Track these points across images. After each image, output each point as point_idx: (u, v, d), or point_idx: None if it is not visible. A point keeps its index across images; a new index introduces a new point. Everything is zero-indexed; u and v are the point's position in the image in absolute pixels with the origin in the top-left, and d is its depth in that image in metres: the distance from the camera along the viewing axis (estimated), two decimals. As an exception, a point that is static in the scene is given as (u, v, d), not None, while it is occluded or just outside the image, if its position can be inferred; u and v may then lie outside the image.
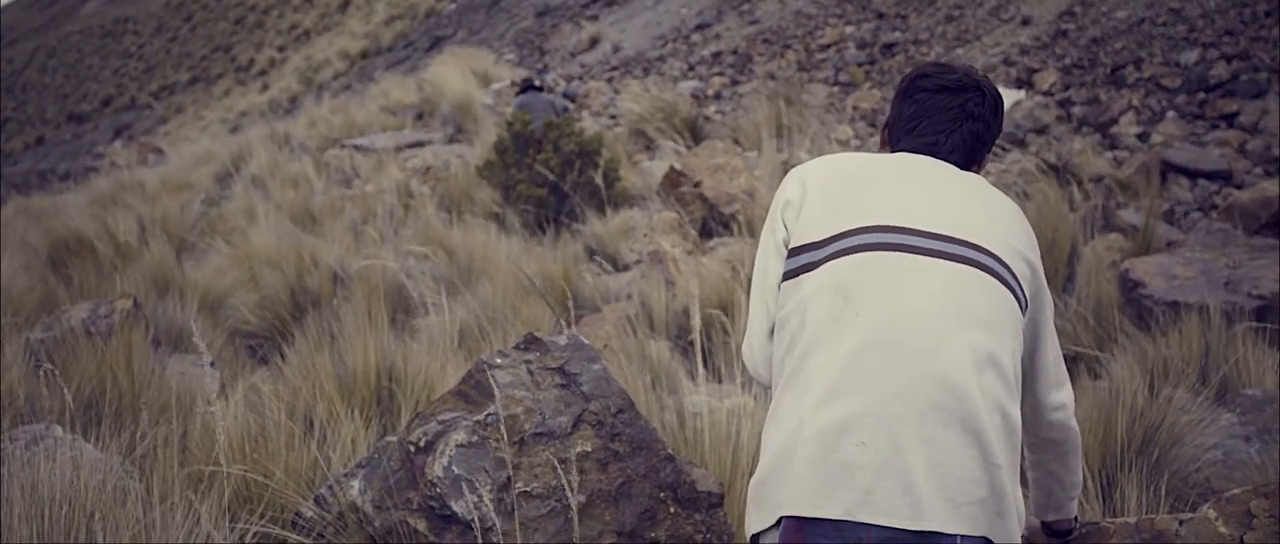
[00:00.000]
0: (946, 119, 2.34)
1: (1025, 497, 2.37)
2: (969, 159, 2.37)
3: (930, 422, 2.02)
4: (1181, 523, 2.68)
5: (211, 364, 5.60)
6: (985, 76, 2.42)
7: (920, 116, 2.36)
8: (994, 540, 2.02)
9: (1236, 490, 2.72)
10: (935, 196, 2.23)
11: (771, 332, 2.29)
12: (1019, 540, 2.09)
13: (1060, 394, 2.33)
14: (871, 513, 1.97)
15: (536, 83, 13.43)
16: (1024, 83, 13.23)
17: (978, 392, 2.04)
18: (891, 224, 2.17)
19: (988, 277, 2.15)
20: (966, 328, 2.08)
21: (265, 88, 35.92)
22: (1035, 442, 2.41)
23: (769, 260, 2.32)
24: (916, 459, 1.99)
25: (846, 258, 2.15)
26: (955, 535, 1.97)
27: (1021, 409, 2.20)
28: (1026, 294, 2.22)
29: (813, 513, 1.99)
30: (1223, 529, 2.60)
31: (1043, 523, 2.60)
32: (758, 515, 2.11)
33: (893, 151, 2.41)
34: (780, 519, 2.04)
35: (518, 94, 13.08)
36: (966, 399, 2.03)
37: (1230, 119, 11.11)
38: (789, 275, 2.24)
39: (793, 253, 2.24)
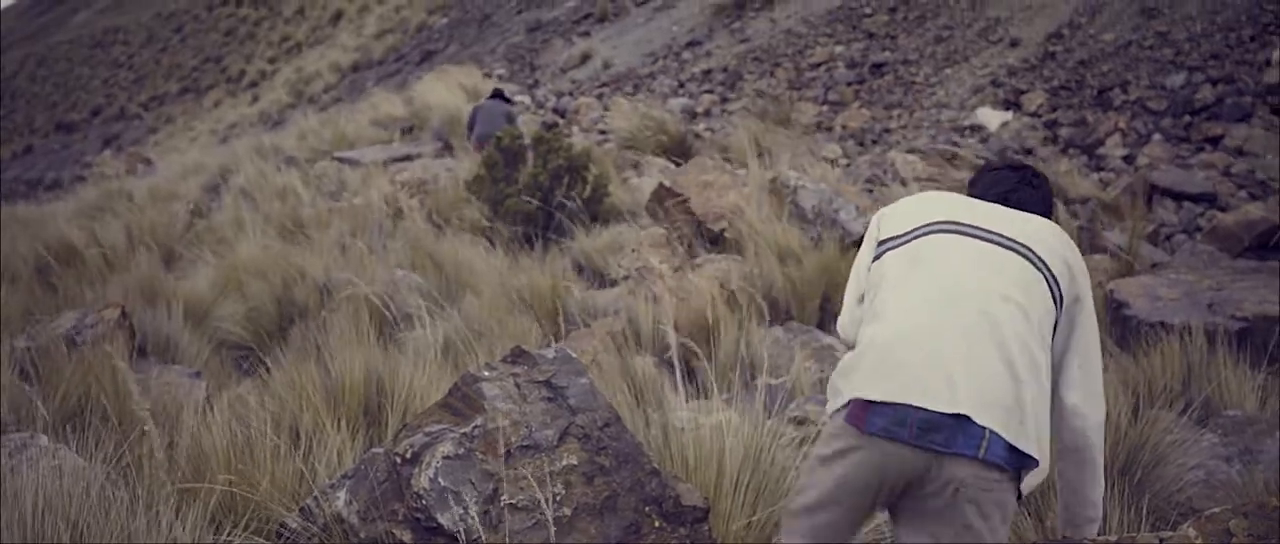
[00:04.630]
0: (1011, 182, 3.04)
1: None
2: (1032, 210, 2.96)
3: (970, 338, 2.58)
4: (1162, 541, 2.70)
5: (197, 375, 5.59)
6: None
7: (993, 183, 3.05)
8: (1010, 439, 2.49)
9: (1216, 509, 2.75)
10: (994, 213, 2.86)
11: (860, 301, 2.92)
12: (1036, 455, 2.52)
13: (1081, 399, 2.74)
14: (918, 397, 2.51)
15: (504, 94, 13.88)
16: (1011, 104, 13.31)
17: (1009, 327, 2.59)
18: (956, 220, 2.83)
19: (1026, 261, 2.72)
20: (1004, 285, 2.67)
21: (255, 99, 35.87)
22: (1060, 447, 2.79)
23: (865, 254, 2.95)
24: (957, 363, 2.54)
25: (919, 239, 2.81)
26: (984, 428, 2.48)
27: (1054, 413, 2.71)
28: (1061, 286, 2.73)
29: (872, 396, 2.55)
30: (1202, 547, 2.62)
31: (1062, 537, 2.91)
32: (833, 402, 2.69)
33: None
34: (849, 401, 2.60)
35: (488, 98, 13.53)
36: (998, 328, 2.59)
37: (1215, 142, 11.20)
38: (877, 257, 2.88)
39: (881, 244, 2.88)
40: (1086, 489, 2.84)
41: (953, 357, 2.55)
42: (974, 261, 2.72)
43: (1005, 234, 2.77)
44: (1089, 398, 2.76)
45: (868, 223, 3.11)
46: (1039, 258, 2.73)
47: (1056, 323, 2.72)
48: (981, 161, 10.93)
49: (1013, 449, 2.50)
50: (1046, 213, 3.00)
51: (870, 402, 2.55)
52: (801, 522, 2.68)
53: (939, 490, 2.51)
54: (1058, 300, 2.72)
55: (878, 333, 2.67)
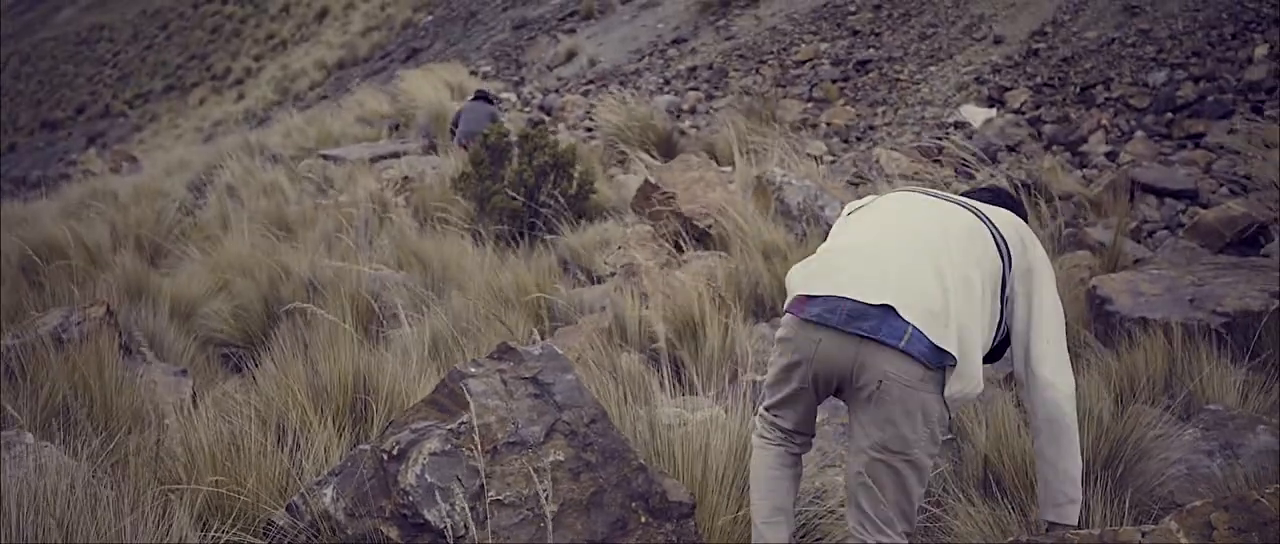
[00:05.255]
0: (986, 197, 3.37)
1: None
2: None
3: (907, 250, 2.92)
4: (1144, 534, 2.73)
5: (184, 372, 5.58)
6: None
7: (970, 194, 3.39)
8: (932, 339, 2.75)
9: (1198, 503, 2.77)
10: (956, 197, 3.22)
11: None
12: (955, 353, 2.76)
13: (1050, 372, 2.97)
14: (850, 290, 2.84)
15: (488, 94, 14.29)
16: (996, 101, 13.36)
17: (945, 254, 2.90)
18: (916, 190, 3.25)
19: (974, 217, 3.07)
20: (949, 224, 3.01)
21: (241, 97, 35.75)
22: (1035, 422, 3.03)
23: (837, 224, 3.29)
24: (891, 267, 2.87)
25: (885, 197, 3.26)
26: (908, 323, 2.75)
27: (1026, 389, 3.03)
28: (1010, 246, 3.04)
29: (812, 291, 2.93)
30: (1184, 540, 2.65)
31: (1047, 525, 3.08)
32: (786, 302, 3.05)
33: None
34: (796, 296, 2.98)
35: (470, 99, 13.89)
36: (935, 248, 2.91)
37: (1197, 139, 11.26)
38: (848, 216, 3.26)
39: (851, 212, 3.27)
40: (1064, 463, 3.01)
41: (888, 263, 2.88)
42: (926, 208, 3.11)
43: (961, 202, 3.16)
44: (1058, 370, 2.99)
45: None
46: (988, 218, 3.07)
47: (1006, 284, 3.00)
48: (965, 157, 10.99)
49: (935, 348, 2.75)
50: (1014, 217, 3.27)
51: (811, 295, 2.92)
52: (761, 404, 3.13)
53: (867, 382, 2.80)
54: (1006, 258, 3.01)
55: (827, 246, 3.12)
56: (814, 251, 3.22)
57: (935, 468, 3.35)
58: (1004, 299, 3.01)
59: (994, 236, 3.02)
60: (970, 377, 2.81)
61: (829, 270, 2.94)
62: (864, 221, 3.13)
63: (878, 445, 2.82)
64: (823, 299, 2.86)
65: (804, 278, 2.99)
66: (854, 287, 2.83)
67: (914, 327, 2.75)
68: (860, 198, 3.49)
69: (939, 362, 2.76)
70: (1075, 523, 3.03)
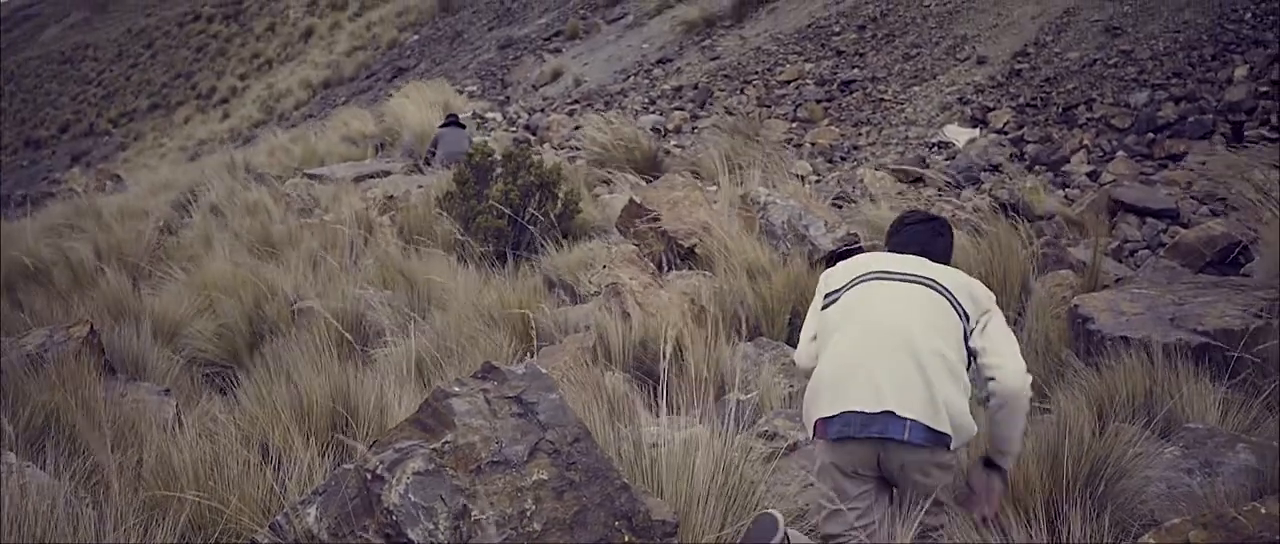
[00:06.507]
0: (925, 234, 3.96)
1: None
2: (943, 259, 3.88)
3: (890, 357, 3.47)
4: (1122, 551, 2.75)
5: (167, 392, 5.57)
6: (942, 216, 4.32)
7: (910, 237, 3.95)
8: (928, 425, 3.37)
9: (1176, 520, 2.80)
10: (908, 261, 3.79)
11: (813, 339, 3.83)
12: (949, 432, 3.39)
13: (1001, 360, 3.54)
14: (856, 404, 3.42)
15: (459, 119, 14.73)
16: (979, 121, 13.44)
17: (921, 340, 3.48)
18: (878, 270, 3.77)
19: (936, 293, 3.63)
20: (918, 312, 3.58)
21: (226, 116, 35.73)
22: (994, 402, 3.55)
23: (817, 303, 3.88)
24: (882, 376, 3.44)
25: (853, 290, 3.74)
26: (906, 419, 3.36)
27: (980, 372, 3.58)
28: (964, 306, 3.62)
29: (826, 413, 3.48)
30: (1162, 557, 2.67)
31: (985, 461, 3.70)
32: (808, 428, 3.62)
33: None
34: (815, 423, 3.53)
35: (440, 127, 14.29)
36: (912, 343, 3.48)
37: (1178, 159, 11.34)
38: (825, 307, 3.80)
39: (827, 296, 3.81)
40: (1010, 431, 3.59)
41: (877, 372, 3.46)
42: (889, 298, 3.66)
43: (915, 273, 3.71)
44: (1002, 354, 3.56)
45: (834, 237, 4.10)
46: (942, 286, 3.65)
47: (968, 330, 3.59)
48: (947, 180, 11.04)
49: (931, 431, 3.39)
50: (949, 252, 3.96)
51: (828, 418, 3.48)
52: (833, 521, 3.56)
53: (893, 468, 3.47)
54: (963, 315, 3.60)
55: (822, 370, 3.61)
56: (798, 270, 3.75)
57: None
58: (968, 348, 3.58)
59: (950, 302, 3.61)
60: (964, 428, 3.47)
61: (832, 393, 3.50)
62: (843, 331, 3.65)
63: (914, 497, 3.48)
64: (837, 418, 3.45)
65: (815, 406, 3.56)
66: (857, 400, 3.43)
67: (911, 421, 3.38)
68: (855, 218, 4.09)
69: (938, 441, 3.40)
70: (1007, 469, 3.69)
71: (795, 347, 4.20)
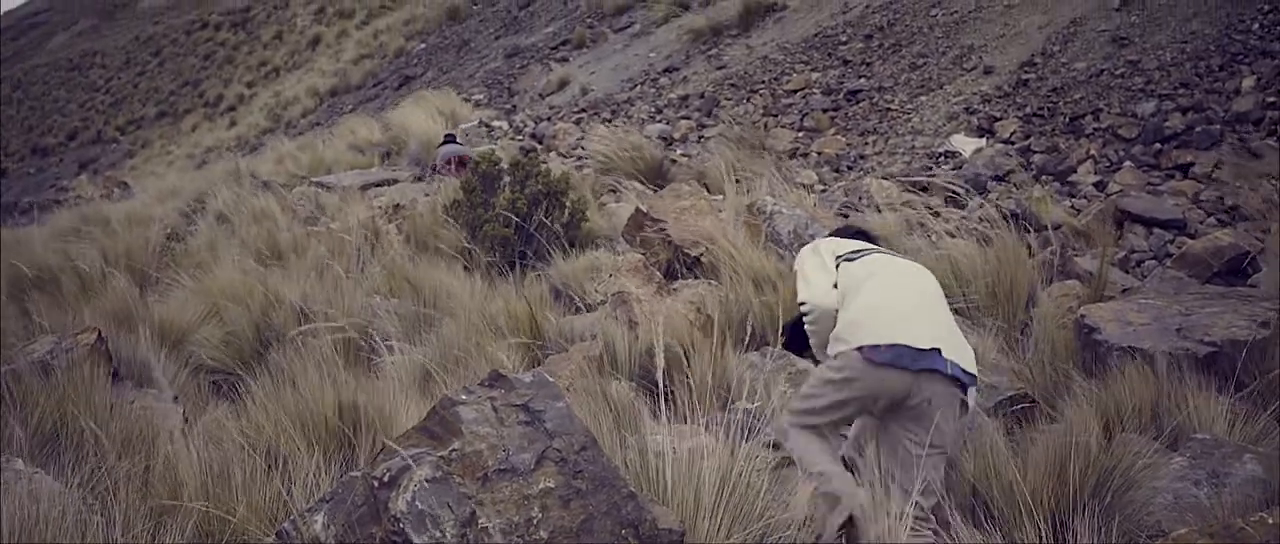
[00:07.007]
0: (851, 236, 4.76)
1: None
2: None
3: (923, 306, 4.13)
4: (1129, 562, 2.74)
5: (175, 399, 5.58)
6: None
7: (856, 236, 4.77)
8: (965, 366, 3.97)
9: (1183, 530, 2.79)
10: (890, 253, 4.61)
11: (834, 285, 4.28)
12: (977, 376, 4.04)
13: None
14: (908, 339, 3.93)
15: (456, 137, 15.15)
16: (985, 131, 13.44)
17: (938, 302, 4.22)
18: (878, 249, 4.54)
19: (928, 272, 4.44)
20: (925, 281, 4.32)
21: (233, 124, 35.82)
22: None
23: (825, 259, 4.38)
24: (927, 321, 4.04)
25: (869, 256, 4.37)
26: (948, 358, 3.91)
27: None
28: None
29: (878, 341, 3.95)
30: (1169, 568, 2.67)
31: None
32: (837, 347, 4.09)
33: None
34: (858, 346, 3.96)
35: (439, 146, 14.61)
36: (934, 301, 4.22)
37: (1185, 169, 11.33)
38: (840, 265, 4.33)
39: (840, 256, 4.37)
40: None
41: (917, 315, 4.05)
42: (909, 269, 4.37)
43: (906, 261, 4.47)
44: None
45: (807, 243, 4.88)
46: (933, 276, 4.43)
47: None
48: (953, 190, 11.04)
49: (967, 372, 3.96)
50: None
51: (876, 345, 3.93)
52: (803, 419, 4.08)
53: (917, 402, 3.91)
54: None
55: (868, 303, 4.09)
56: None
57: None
58: None
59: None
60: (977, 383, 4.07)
61: (881, 325, 3.98)
62: (876, 284, 4.17)
63: (920, 443, 3.92)
64: (889, 347, 3.91)
65: (863, 331, 4.00)
66: (909, 336, 3.92)
67: (952, 361, 3.91)
68: (839, 232, 4.81)
69: (970, 381, 3.98)
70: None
71: (805, 356, 4.48)
